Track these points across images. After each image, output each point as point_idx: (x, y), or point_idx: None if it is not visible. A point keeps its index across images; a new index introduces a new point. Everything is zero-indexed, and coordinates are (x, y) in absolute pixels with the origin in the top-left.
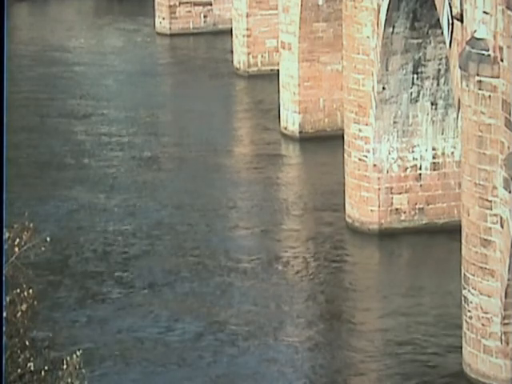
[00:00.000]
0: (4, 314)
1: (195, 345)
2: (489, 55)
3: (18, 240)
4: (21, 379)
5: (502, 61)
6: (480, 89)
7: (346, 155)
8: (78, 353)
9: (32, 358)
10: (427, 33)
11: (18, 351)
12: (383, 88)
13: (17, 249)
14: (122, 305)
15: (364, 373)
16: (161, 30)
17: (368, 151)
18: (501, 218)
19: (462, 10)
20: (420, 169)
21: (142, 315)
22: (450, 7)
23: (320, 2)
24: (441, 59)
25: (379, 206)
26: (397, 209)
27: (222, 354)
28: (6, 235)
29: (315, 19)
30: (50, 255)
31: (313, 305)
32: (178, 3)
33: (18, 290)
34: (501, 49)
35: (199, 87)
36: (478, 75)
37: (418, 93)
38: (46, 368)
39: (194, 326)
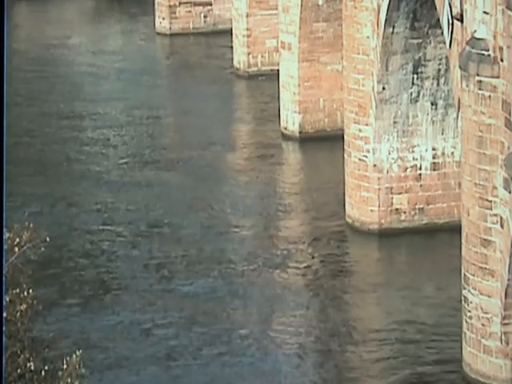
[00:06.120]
0: (4, 314)
1: (192, 344)
2: (489, 55)
3: (17, 240)
4: (20, 379)
5: (501, 61)
6: (480, 89)
7: (346, 155)
8: (77, 353)
9: (32, 358)
10: (427, 33)
11: (18, 351)
12: (383, 88)
13: (17, 249)
14: (119, 304)
15: (363, 372)
16: (161, 30)
17: (368, 151)
18: (501, 217)
19: (462, 10)
20: (420, 169)
21: (139, 314)
22: (450, 7)
23: (320, 2)
24: (441, 59)
25: (379, 206)
26: (397, 209)
27: (220, 355)
28: (6, 235)
29: (315, 19)
30: (47, 254)
31: (312, 305)
32: (177, 3)
33: (18, 290)
34: (501, 49)
35: (199, 87)
36: (478, 75)
37: (418, 93)
38: (46, 368)
39: (192, 326)
